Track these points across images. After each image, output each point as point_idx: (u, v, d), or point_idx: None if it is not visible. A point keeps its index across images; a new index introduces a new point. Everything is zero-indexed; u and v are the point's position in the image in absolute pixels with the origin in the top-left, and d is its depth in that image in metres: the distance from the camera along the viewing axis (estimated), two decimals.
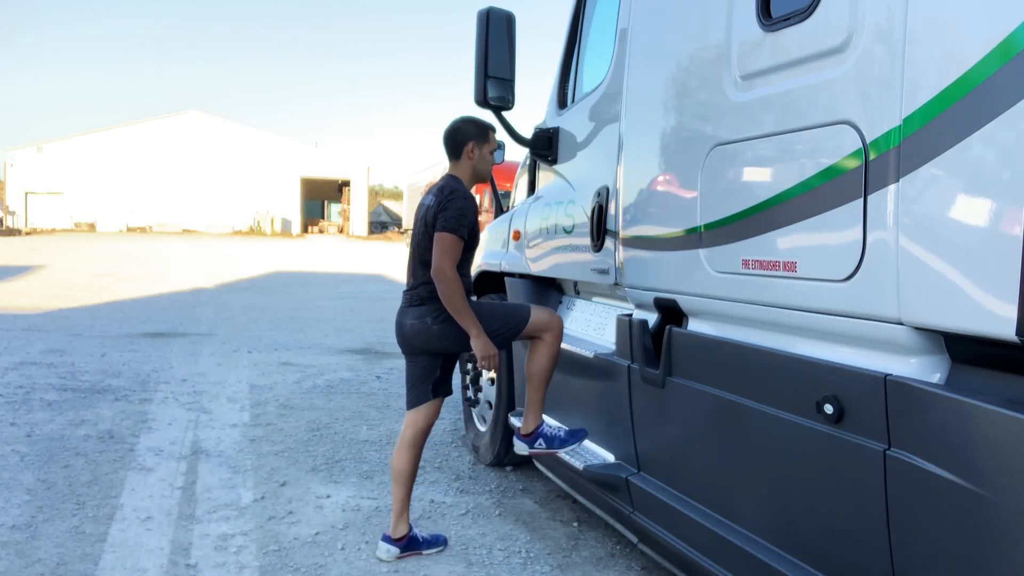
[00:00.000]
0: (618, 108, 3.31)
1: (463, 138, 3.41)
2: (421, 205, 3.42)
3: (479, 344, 3.24)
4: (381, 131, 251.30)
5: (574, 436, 3.48)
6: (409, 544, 3.42)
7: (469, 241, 3.30)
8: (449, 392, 3.57)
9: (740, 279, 2.46)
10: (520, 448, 3.54)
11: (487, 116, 3.79)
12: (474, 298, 3.49)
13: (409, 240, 3.58)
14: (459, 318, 3.23)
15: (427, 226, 3.31)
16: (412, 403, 3.50)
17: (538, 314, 3.39)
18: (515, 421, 4.06)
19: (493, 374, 4.61)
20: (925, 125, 1.81)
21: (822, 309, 2.16)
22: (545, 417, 3.61)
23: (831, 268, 2.10)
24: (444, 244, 3.20)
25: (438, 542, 3.52)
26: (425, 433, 3.48)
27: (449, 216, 3.21)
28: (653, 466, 3.03)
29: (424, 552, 3.45)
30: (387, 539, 3.42)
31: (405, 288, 3.47)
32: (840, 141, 2.06)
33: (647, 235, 3.02)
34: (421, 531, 3.57)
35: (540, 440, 3.47)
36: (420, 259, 3.37)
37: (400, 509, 3.43)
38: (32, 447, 4.75)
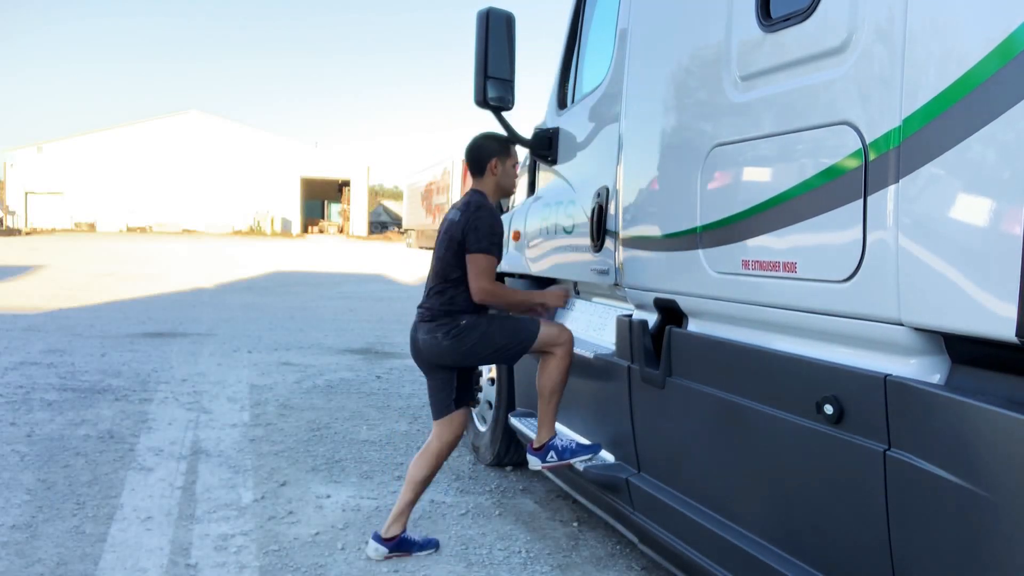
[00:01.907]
0: (618, 108, 3.31)
1: (486, 155, 3.41)
2: (445, 219, 3.40)
3: (549, 298, 3.54)
4: (381, 131, 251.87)
5: (586, 449, 3.40)
6: (399, 545, 3.39)
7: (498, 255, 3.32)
8: (471, 401, 3.57)
9: (740, 279, 2.46)
10: (533, 463, 3.46)
11: (487, 116, 3.79)
12: (493, 311, 3.47)
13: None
14: (521, 307, 3.47)
15: (451, 241, 3.28)
16: (436, 415, 3.49)
17: (547, 329, 3.37)
18: (515, 422, 4.06)
19: (491, 375, 4.61)
20: (925, 125, 1.81)
21: (822, 310, 2.16)
22: (558, 426, 3.56)
23: (831, 269, 2.10)
24: (480, 266, 3.20)
25: (429, 545, 3.48)
26: (451, 447, 3.45)
27: (481, 236, 3.21)
28: (653, 466, 3.03)
29: (414, 553, 3.41)
30: (377, 538, 3.39)
31: (420, 302, 3.44)
32: (840, 141, 2.06)
33: (647, 235, 3.02)
34: (414, 534, 3.51)
35: (552, 452, 3.40)
36: (439, 273, 3.35)
37: (400, 511, 3.41)
38: (32, 447, 4.75)
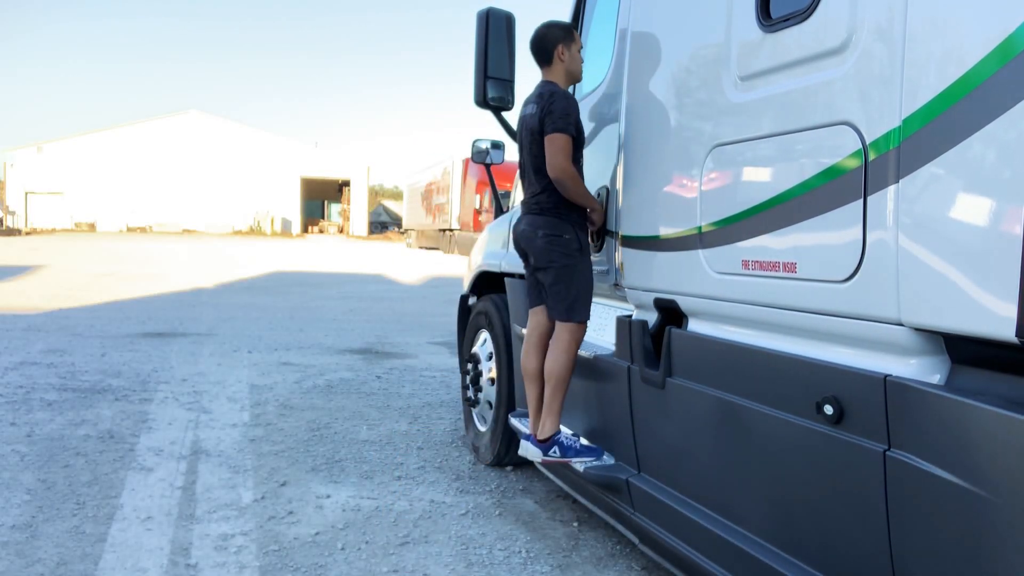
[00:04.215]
0: (618, 108, 3.31)
1: (551, 43, 3.40)
2: (523, 116, 3.45)
3: (596, 216, 3.42)
4: (381, 131, 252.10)
5: (590, 451, 3.43)
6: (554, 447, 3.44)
7: (577, 138, 3.33)
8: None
9: (740, 280, 2.46)
10: (534, 454, 3.44)
11: (487, 116, 3.79)
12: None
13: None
14: (586, 203, 3.37)
15: (534, 133, 3.34)
16: (531, 303, 3.61)
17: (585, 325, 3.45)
18: (515, 422, 4.06)
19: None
20: (925, 126, 1.81)
21: (822, 310, 2.16)
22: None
23: (831, 269, 2.10)
24: (557, 144, 3.23)
25: (592, 453, 3.42)
26: (548, 333, 3.52)
27: (556, 117, 3.23)
28: (653, 467, 3.03)
29: (573, 461, 3.40)
30: (531, 439, 3.47)
31: (523, 198, 3.53)
32: (840, 142, 2.06)
33: (647, 236, 3.02)
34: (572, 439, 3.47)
35: (555, 448, 3.41)
36: (534, 168, 3.40)
37: (536, 408, 3.51)
38: (32, 447, 4.75)
